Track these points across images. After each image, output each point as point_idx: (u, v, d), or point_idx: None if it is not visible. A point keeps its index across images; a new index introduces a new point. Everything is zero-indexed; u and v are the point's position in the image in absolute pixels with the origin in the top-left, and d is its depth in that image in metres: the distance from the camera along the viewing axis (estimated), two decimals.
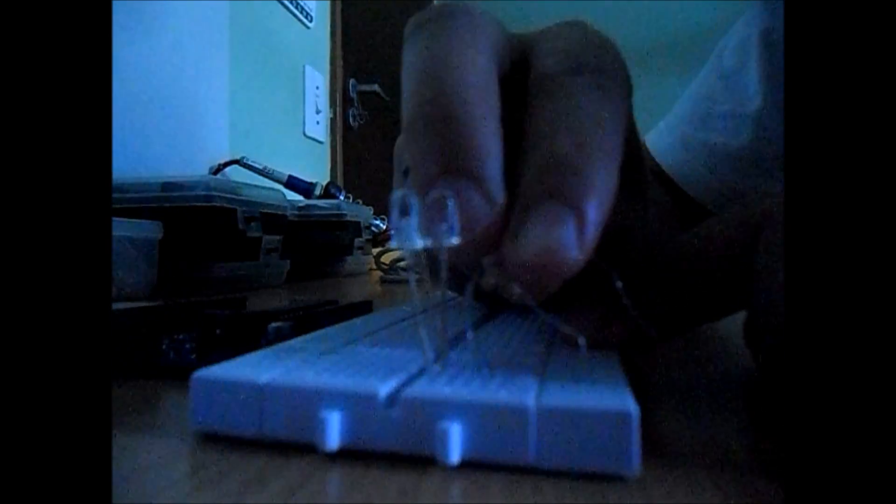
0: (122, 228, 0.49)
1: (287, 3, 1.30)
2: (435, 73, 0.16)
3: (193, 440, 0.15)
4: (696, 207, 0.42)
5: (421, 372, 0.15)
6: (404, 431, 0.13)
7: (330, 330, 0.21)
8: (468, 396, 0.13)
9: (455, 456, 0.13)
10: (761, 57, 0.39)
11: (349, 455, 0.13)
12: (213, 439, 0.15)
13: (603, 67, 0.17)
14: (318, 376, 0.14)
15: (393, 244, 0.14)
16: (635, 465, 0.12)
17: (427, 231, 0.14)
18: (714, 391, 0.20)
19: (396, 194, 0.14)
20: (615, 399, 0.13)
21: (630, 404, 0.13)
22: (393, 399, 0.13)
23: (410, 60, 0.17)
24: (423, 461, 0.13)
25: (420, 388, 0.14)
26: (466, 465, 0.13)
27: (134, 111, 0.81)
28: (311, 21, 1.42)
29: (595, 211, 0.15)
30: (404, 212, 0.14)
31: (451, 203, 0.14)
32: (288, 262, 0.71)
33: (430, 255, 0.15)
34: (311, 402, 0.14)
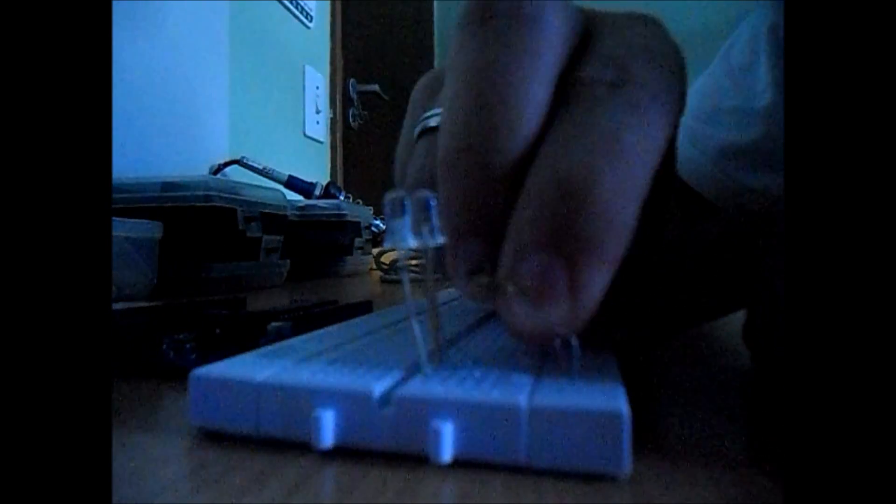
0: (122, 228, 0.49)
1: (287, 3, 1.30)
2: (486, 109, 0.14)
3: (194, 439, 0.15)
4: (701, 203, 0.42)
5: (416, 372, 0.15)
6: (397, 430, 0.13)
7: (330, 329, 0.21)
8: (460, 395, 0.13)
9: (447, 455, 0.13)
10: (770, 53, 0.39)
11: (348, 454, 0.13)
12: (213, 438, 0.15)
13: (648, 82, 0.14)
14: (313, 375, 0.14)
15: (386, 244, 0.14)
16: (626, 465, 0.12)
17: (415, 232, 0.14)
18: (713, 390, 0.20)
19: (390, 195, 0.14)
20: (607, 399, 0.13)
21: (621, 404, 0.13)
22: (387, 398, 0.14)
23: (461, 67, 0.15)
24: (422, 460, 0.13)
25: (413, 388, 0.14)
26: (462, 463, 0.13)
27: (134, 111, 0.81)
28: (311, 21, 1.42)
29: (596, 273, 0.13)
30: (398, 212, 0.14)
31: (432, 203, 0.14)
32: (288, 262, 0.71)
33: (434, 256, 0.15)
34: (305, 400, 0.14)
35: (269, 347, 0.18)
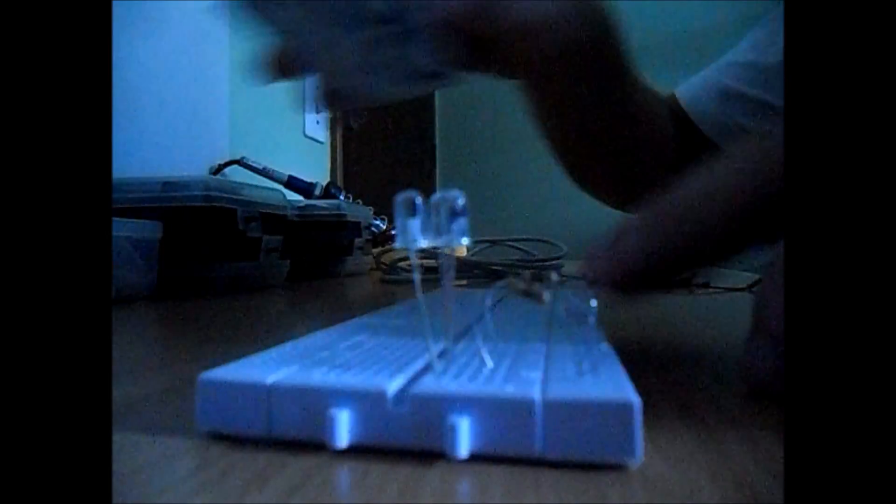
0: (122, 228, 0.49)
1: None
2: None
3: (196, 439, 0.15)
4: (702, 141, 0.45)
5: (425, 369, 0.15)
6: (413, 427, 0.13)
7: (331, 330, 0.21)
8: (475, 391, 0.13)
9: (464, 450, 0.13)
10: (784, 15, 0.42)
11: (363, 451, 0.14)
12: (216, 438, 0.15)
13: None
14: (325, 376, 0.15)
15: (397, 244, 0.15)
16: (638, 454, 0.13)
17: (437, 232, 0.15)
18: (712, 388, 0.20)
19: (402, 195, 0.15)
20: (617, 390, 0.13)
21: (632, 395, 0.13)
22: (401, 396, 0.14)
23: None
24: (437, 456, 0.13)
25: (427, 385, 0.14)
26: (477, 458, 0.13)
27: (134, 111, 0.81)
28: None
29: None
30: (410, 212, 0.14)
31: (456, 204, 0.14)
32: (288, 262, 0.71)
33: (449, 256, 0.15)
34: (319, 401, 0.14)
35: (273, 350, 0.18)
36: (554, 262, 0.75)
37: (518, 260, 0.75)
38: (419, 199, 0.15)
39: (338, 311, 0.47)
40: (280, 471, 0.13)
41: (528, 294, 0.16)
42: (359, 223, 0.89)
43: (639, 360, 0.24)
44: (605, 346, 0.18)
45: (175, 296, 0.53)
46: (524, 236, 0.86)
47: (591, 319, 0.16)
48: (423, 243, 0.15)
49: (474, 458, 0.13)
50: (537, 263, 0.74)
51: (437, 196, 0.15)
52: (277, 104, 1.27)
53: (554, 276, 0.16)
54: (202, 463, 0.13)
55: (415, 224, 0.14)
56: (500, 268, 0.71)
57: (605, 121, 0.38)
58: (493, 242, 0.87)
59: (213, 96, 1.02)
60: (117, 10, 0.74)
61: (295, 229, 0.75)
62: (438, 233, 0.14)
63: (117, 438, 0.15)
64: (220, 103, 1.04)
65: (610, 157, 0.41)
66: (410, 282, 0.72)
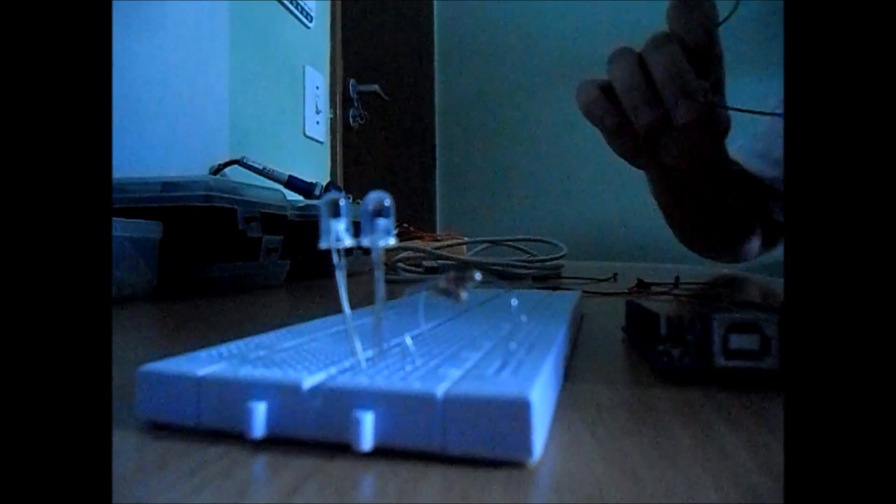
0: (122, 228, 0.49)
1: (287, 3, 1.30)
2: None
3: (199, 438, 0.15)
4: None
5: (352, 365, 0.16)
6: (323, 420, 0.14)
7: (293, 328, 0.22)
8: (381, 386, 0.14)
9: (367, 443, 0.13)
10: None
11: (280, 443, 0.14)
12: (219, 437, 0.15)
13: None
14: (250, 370, 0.15)
15: (322, 245, 0.16)
16: (534, 451, 0.13)
17: (365, 231, 0.16)
18: (712, 388, 0.20)
19: (327, 197, 0.16)
20: (517, 387, 0.13)
21: (528, 392, 0.13)
22: (316, 390, 0.14)
23: None
24: (347, 448, 0.14)
25: (341, 380, 0.14)
26: (384, 451, 0.13)
27: (134, 111, 0.81)
28: (311, 21, 1.42)
29: None
30: (334, 213, 0.16)
31: (386, 205, 0.15)
32: (288, 262, 0.71)
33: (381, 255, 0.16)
34: (240, 393, 0.15)
35: (219, 346, 0.18)
36: (554, 261, 0.75)
37: (518, 260, 0.75)
38: (344, 201, 0.16)
39: (337, 312, 0.47)
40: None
41: (446, 293, 0.16)
42: (359, 223, 0.89)
43: (636, 358, 0.24)
44: (551, 344, 0.18)
45: (175, 296, 0.53)
46: (524, 236, 0.86)
47: (523, 318, 0.16)
48: (349, 243, 0.16)
49: (382, 450, 0.13)
50: (537, 263, 0.74)
51: (366, 197, 0.16)
52: (277, 104, 1.27)
53: (476, 276, 0.16)
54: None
55: (339, 224, 0.16)
56: (500, 268, 0.71)
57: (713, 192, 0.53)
58: (494, 242, 0.87)
59: (213, 96, 1.02)
60: (117, 10, 0.74)
61: (295, 229, 0.75)
62: (364, 232, 0.15)
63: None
64: (220, 103, 1.04)
65: (714, 221, 0.57)
66: (411, 281, 0.72)
